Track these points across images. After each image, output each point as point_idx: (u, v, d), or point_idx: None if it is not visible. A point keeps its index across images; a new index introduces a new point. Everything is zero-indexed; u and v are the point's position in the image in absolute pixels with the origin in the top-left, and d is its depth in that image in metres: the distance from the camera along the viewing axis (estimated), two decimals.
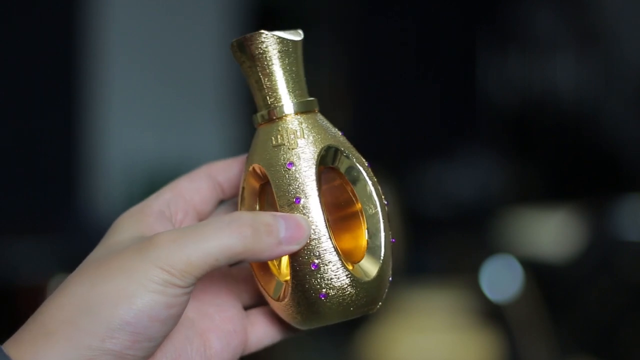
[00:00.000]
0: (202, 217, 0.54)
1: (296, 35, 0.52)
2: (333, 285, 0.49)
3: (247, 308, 0.54)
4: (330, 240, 0.49)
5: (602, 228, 1.89)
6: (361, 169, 0.51)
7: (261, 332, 0.53)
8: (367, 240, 0.51)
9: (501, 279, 1.75)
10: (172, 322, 0.46)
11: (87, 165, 2.21)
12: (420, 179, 2.30)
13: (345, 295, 0.49)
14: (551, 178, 2.37)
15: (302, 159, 0.49)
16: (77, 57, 2.21)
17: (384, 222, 0.51)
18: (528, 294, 1.72)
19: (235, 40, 0.51)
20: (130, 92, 2.28)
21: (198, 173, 0.54)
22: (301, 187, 0.49)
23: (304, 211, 0.49)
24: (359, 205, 0.51)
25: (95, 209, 2.14)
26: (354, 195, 0.51)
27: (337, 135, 0.51)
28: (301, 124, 0.50)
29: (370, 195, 0.51)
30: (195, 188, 0.53)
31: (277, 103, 0.51)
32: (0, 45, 2.11)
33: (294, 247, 0.48)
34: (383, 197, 0.52)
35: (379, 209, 0.51)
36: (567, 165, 2.37)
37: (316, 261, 0.49)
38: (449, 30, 2.48)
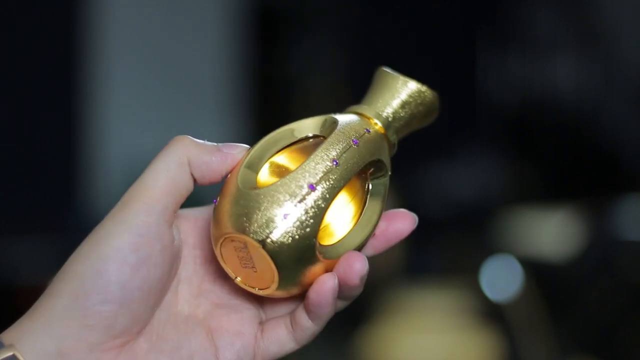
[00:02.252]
0: None
1: (436, 101, 0.57)
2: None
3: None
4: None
5: (602, 228, 1.89)
6: (383, 198, 0.53)
7: (268, 339, 0.53)
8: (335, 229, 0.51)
9: (501, 279, 1.75)
10: (145, 270, 0.46)
11: (87, 165, 2.21)
12: (420, 179, 2.30)
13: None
14: (551, 178, 2.38)
15: (366, 147, 0.51)
16: (77, 57, 2.21)
17: (356, 230, 0.51)
18: (528, 294, 1.72)
19: (395, 75, 0.56)
20: (130, 92, 2.28)
21: None
22: (340, 153, 0.50)
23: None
24: (362, 212, 0.52)
25: (95, 209, 2.14)
26: (364, 206, 0.52)
27: (390, 165, 0.54)
28: (365, 130, 0.53)
29: (371, 218, 0.52)
30: None
31: (375, 108, 0.55)
32: (1, 45, 2.11)
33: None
34: (373, 226, 0.52)
35: (368, 232, 0.52)
36: (567, 165, 2.37)
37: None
38: (449, 30, 2.48)
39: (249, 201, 0.48)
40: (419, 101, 0.56)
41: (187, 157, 0.49)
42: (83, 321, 0.45)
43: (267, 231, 0.48)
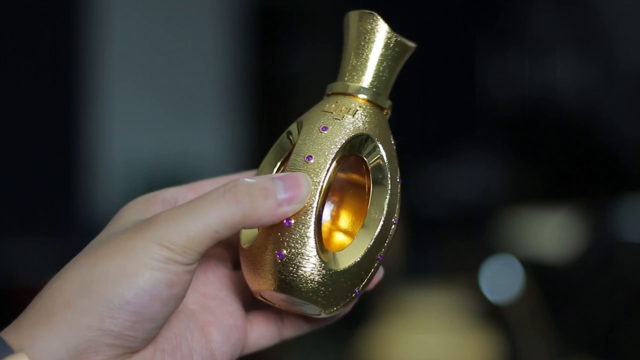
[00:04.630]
0: None
1: (409, 42, 0.52)
2: (296, 249, 0.47)
3: (247, 310, 0.54)
4: (316, 207, 0.47)
5: (602, 228, 1.89)
6: (389, 176, 0.50)
7: (259, 332, 0.53)
8: (355, 238, 0.49)
9: (501, 279, 1.75)
10: (173, 303, 0.46)
11: (87, 165, 2.21)
12: (420, 179, 2.30)
13: (301, 265, 0.47)
14: (551, 178, 2.37)
15: (337, 129, 0.49)
16: (77, 57, 2.20)
17: (379, 233, 0.49)
18: (528, 294, 1.72)
19: (358, 12, 0.51)
20: (130, 92, 2.28)
21: (225, 177, 0.53)
22: (320, 149, 0.48)
23: (309, 169, 0.48)
24: (367, 204, 0.50)
25: (95, 210, 2.14)
26: (368, 194, 0.50)
27: (387, 138, 0.51)
28: (360, 107, 0.50)
29: (383, 203, 0.50)
30: (214, 186, 0.52)
31: (354, 82, 0.51)
32: (0, 45, 2.11)
33: (296, 206, 0.47)
34: (397, 215, 0.50)
35: (382, 219, 0.49)
36: (567, 165, 2.37)
37: (292, 220, 0.47)
38: (449, 30, 2.48)
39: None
40: (397, 50, 0.52)
41: (241, 220, 0.46)
42: (105, 340, 0.44)
43: (333, 310, 0.49)
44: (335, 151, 0.48)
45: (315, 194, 0.47)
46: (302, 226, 0.47)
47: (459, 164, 2.38)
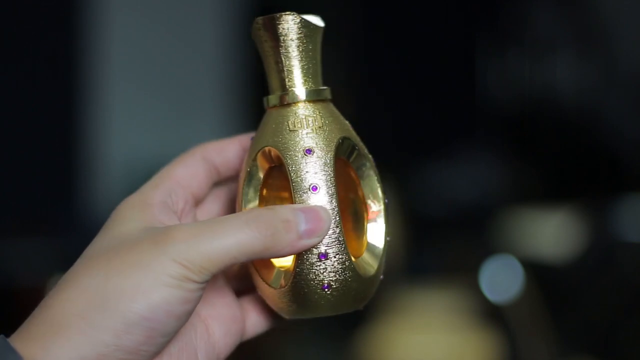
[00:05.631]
0: (199, 202, 0.54)
1: (318, 22, 0.51)
2: (339, 277, 0.48)
3: (239, 296, 0.55)
4: (341, 231, 0.48)
5: (602, 228, 1.89)
6: (369, 164, 0.51)
7: (254, 319, 0.53)
8: (368, 236, 0.51)
9: (501, 279, 1.75)
10: (186, 317, 0.46)
11: (87, 165, 2.21)
12: (420, 179, 2.30)
13: (347, 288, 0.48)
14: (551, 178, 2.37)
15: (319, 146, 0.49)
16: (77, 57, 2.20)
17: (385, 220, 0.51)
18: (528, 294, 1.72)
19: (260, 18, 0.51)
20: (130, 92, 2.27)
21: (192, 157, 0.53)
22: (319, 175, 0.48)
23: (320, 199, 0.48)
24: (364, 200, 0.51)
25: (95, 210, 2.14)
26: (361, 190, 0.51)
27: (348, 127, 0.51)
28: (318, 112, 0.50)
29: (376, 191, 0.51)
30: (192, 174, 0.53)
31: (293, 87, 0.50)
32: (0, 45, 2.11)
33: (315, 240, 0.48)
34: (385, 194, 0.51)
35: (382, 205, 0.51)
36: (567, 165, 2.37)
37: (324, 250, 0.48)
38: (449, 30, 2.48)
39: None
40: (316, 37, 0.51)
41: (262, 250, 0.46)
42: (119, 354, 0.44)
43: (373, 294, 0.52)
44: (332, 171, 0.48)
45: (337, 220, 0.48)
46: (338, 254, 0.48)
47: (459, 164, 2.38)
